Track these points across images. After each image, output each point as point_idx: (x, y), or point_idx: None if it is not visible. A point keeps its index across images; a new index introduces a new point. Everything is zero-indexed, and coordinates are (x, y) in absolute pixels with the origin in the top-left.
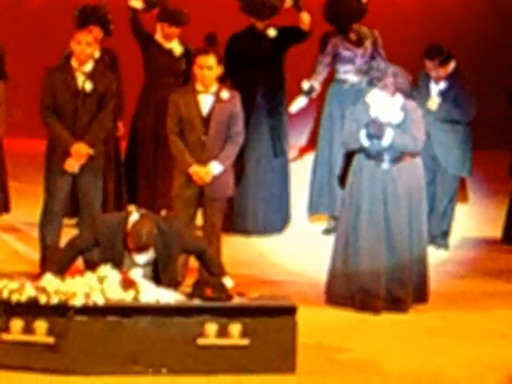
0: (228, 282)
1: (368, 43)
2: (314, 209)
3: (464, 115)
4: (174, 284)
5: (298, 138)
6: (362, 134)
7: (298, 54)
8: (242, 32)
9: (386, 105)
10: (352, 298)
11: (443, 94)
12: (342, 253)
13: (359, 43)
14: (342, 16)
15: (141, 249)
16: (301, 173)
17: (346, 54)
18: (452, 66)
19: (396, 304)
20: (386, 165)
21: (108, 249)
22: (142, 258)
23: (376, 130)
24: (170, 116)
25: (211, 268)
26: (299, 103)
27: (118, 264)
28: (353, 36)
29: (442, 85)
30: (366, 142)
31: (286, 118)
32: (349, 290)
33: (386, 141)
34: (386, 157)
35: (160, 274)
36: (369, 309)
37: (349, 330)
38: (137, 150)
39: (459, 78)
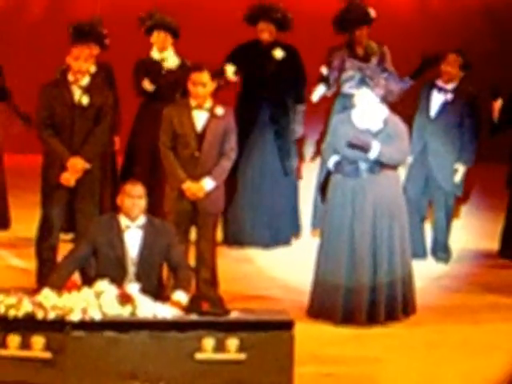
0: (182, 296)
1: (375, 59)
2: (318, 224)
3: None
4: (157, 293)
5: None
6: (332, 159)
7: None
8: (247, 46)
9: (370, 109)
10: (331, 312)
11: (446, 105)
12: (321, 265)
13: (366, 59)
14: (346, 21)
15: (136, 197)
16: (304, 189)
17: (351, 69)
18: (460, 75)
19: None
20: (363, 173)
21: (107, 247)
22: (135, 224)
23: (362, 143)
24: (164, 130)
25: (179, 283)
26: (319, 91)
27: (116, 258)
28: (360, 51)
29: (449, 95)
30: (331, 167)
31: (293, 137)
32: (328, 303)
33: (373, 153)
34: (362, 165)
35: (143, 277)
36: (349, 322)
37: (346, 343)
38: (133, 165)
39: (463, 91)
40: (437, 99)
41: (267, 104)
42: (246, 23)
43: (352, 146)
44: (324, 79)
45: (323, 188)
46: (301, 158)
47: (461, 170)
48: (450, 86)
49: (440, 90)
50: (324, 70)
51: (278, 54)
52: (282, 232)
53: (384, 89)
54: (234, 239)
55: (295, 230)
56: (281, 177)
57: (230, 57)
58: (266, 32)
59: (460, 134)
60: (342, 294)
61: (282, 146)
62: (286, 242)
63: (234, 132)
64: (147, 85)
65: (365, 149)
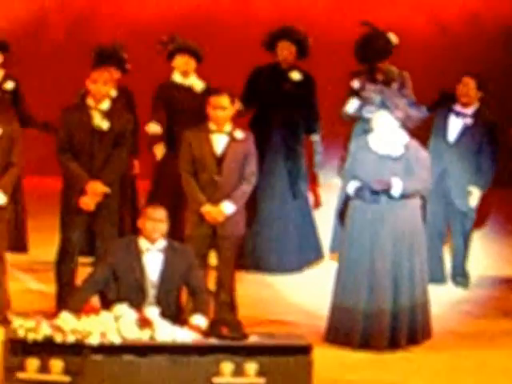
0: (201, 320)
1: (395, 85)
2: (337, 247)
3: (486, 166)
4: (176, 316)
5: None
6: (352, 185)
7: (322, 92)
8: (265, 68)
9: (388, 133)
10: (349, 337)
11: (466, 130)
12: (339, 291)
13: (386, 84)
14: (368, 54)
15: (158, 220)
16: (320, 213)
17: (369, 90)
18: (478, 97)
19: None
20: (383, 200)
21: (126, 271)
22: (155, 247)
23: (383, 186)
24: (183, 155)
25: (198, 307)
26: (353, 104)
27: (136, 282)
28: (380, 76)
29: (468, 120)
30: (351, 192)
31: (303, 160)
32: (346, 328)
33: (395, 191)
34: (383, 194)
35: (163, 301)
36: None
37: (365, 368)
38: (160, 189)
39: (482, 117)
40: (455, 124)
41: (280, 126)
42: (264, 48)
43: (374, 192)
44: (355, 92)
45: (342, 213)
46: (315, 182)
47: (476, 193)
48: (468, 111)
49: (458, 114)
50: (355, 84)
51: (296, 75)
52: (291, 257)
53: (404, 112)
54: (251, 264)
55: (317, 254)
56: (290, 200)
57: (249, 79)
58: (286, 51)
59: (478, 158)
60: (361, 319)
61: (292, 168)
62: (297, 267)
63: (253, 156)
64: (152, 128)
65: (387, 190)
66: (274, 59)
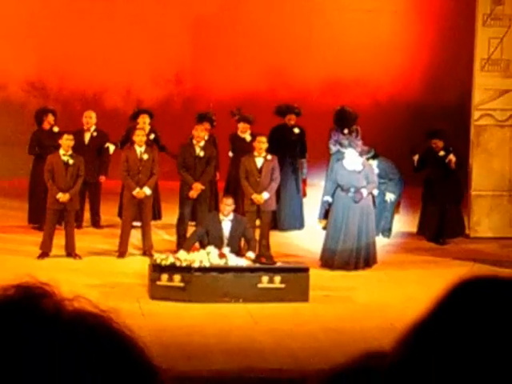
0: (251, 254)
1: (354, 133)
2: (321, 217)
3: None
4: (238, 252)
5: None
6: (325, 198)
7: (315, 139)
8: (280, 126)
9: (354, 159)
10: (331, 263)
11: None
12: (328, 239)
13: (350, 134)
14: (342, 122)
15: (227, 204)
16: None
17: (342, 139)
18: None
19: (350, 265)
20: (351, 194)
21: (212, 229)
22: (227, 218)
23: (359, 197)
24: (241, 169)
25: (250, 247)
26: (332, 149)
27: (217, 235)
28: (346, 131)
29: (376, 170)
30: (324, 200)
31: (299, 173)
32: (330, 258)
33: (365, 195)
34: (352, 189)
35: (232, 245)
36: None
37: (338, 279)
38: (230, 187)
39: (385, 165)
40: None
41: (289, 157)
42: (276, 115)
43: (356, 201)
44: (334, 140)
45: (326, 210)
46: (304, 183)
47: (388, 195)
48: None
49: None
50: (346, 131)
51: (297, 130)
52: (296, 221)
53: (360, 148)
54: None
55: (302, 221)
56: (295, 193)
57: (271, 132)
58: (291, 118)
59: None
60: (338, 254)
61: (296, 177)
62: (299, 226)
63: (277, 168)
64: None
65: (360, 199)
66: (283, 120)
